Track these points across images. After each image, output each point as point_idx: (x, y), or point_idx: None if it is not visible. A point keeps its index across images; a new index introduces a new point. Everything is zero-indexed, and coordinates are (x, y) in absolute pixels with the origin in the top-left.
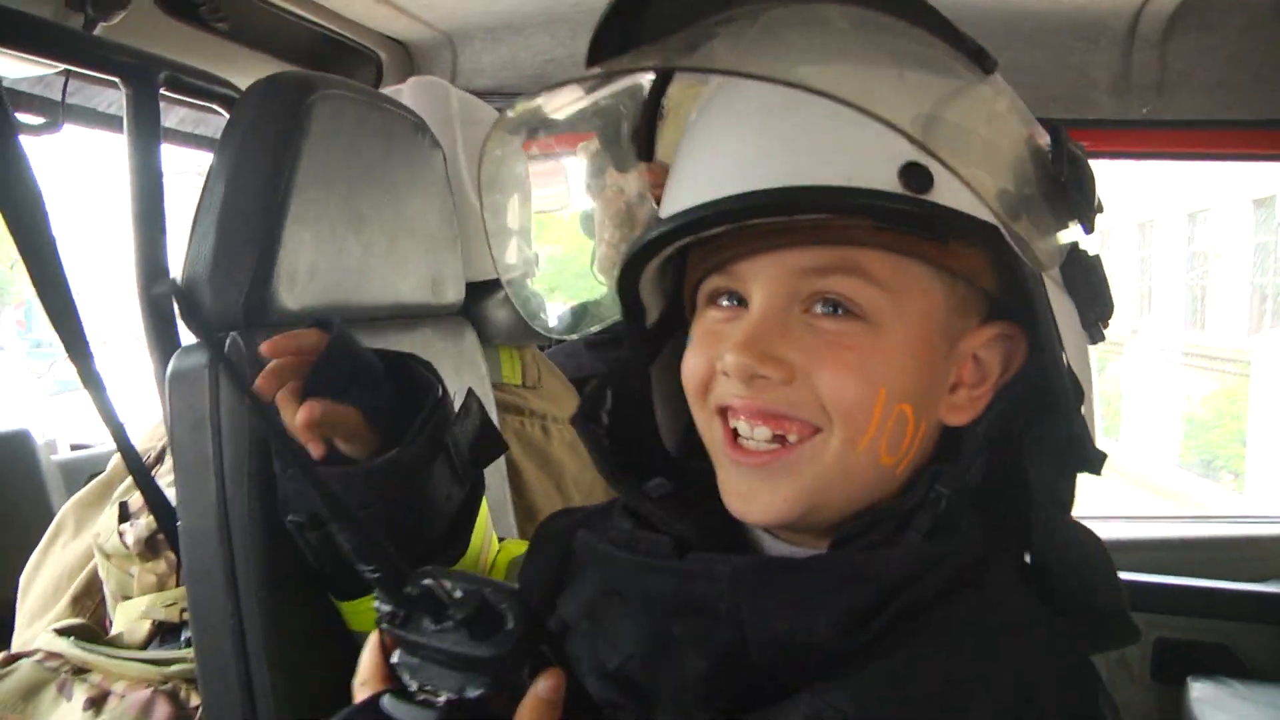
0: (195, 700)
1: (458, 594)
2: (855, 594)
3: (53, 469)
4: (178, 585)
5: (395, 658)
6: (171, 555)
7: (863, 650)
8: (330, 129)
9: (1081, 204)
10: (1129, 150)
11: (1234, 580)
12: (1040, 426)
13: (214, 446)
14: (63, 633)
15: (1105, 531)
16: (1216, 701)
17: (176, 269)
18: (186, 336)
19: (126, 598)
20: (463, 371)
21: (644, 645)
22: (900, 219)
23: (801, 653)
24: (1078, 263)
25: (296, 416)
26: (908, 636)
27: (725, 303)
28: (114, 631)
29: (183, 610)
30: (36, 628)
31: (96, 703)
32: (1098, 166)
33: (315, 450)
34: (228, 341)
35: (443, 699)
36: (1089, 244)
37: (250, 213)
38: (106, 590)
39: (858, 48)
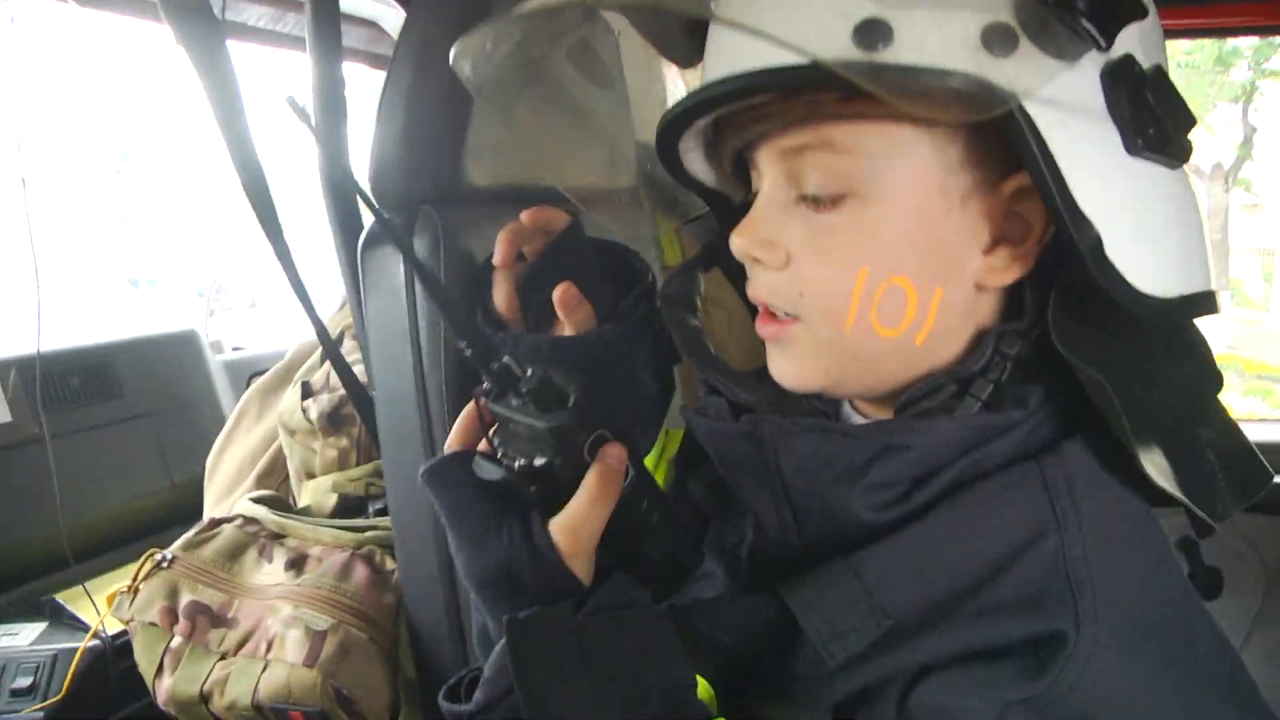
0: (390, 564)
1: (529, 372)
2: (891, 463)
3: (219, 366)
4: (358, 463)
5: (493, 431)
6: (353, 431)
7: (905, 522)
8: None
9: (1101, 15)
10: None
11: None
12: (1068, 275)
13: (410, 316)
14: (257, 502)
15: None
16: None
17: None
18: (369, 217)
19: (310, 475)
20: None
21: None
22: (853, 86)
23: (843, 522)
24: (1123, 79)
25: (556, 291)
26: (949, 509)
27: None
28: (300, 505)
29: (368, 485)
30: (225, 504)
31: (296, 564)
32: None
33: (516, 325)
34: (419, 213)
35: (517, 464)
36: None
37: (439, 93)
38: (290, 468)
39: None
